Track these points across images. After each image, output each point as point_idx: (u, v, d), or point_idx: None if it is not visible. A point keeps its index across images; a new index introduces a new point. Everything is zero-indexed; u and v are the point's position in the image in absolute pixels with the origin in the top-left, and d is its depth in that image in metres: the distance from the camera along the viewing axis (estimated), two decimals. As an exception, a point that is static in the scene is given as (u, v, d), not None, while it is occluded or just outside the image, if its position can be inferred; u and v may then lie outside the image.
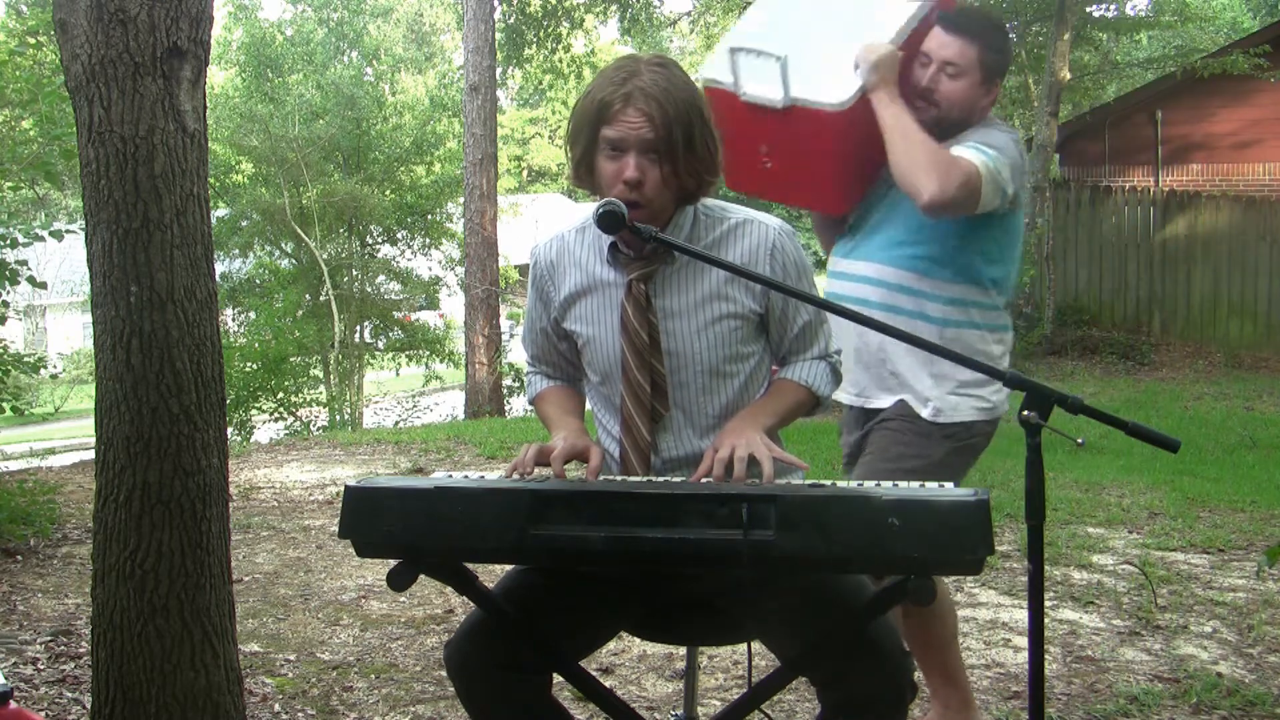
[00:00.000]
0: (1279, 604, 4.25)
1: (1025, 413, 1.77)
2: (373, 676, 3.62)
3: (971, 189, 2.55)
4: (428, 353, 19.33)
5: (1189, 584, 4.53)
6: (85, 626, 3.76)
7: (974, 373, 2.66)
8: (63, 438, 14.29)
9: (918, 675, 2.74)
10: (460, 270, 17.46)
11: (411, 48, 36.35)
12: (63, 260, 21.19)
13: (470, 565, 1.92)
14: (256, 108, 18.48)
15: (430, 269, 20.68)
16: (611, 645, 3.60)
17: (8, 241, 5.92)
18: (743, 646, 2.61)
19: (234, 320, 17.96)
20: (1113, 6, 17.13)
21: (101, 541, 2.54)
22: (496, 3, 15.12)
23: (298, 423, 13.34)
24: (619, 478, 2.10)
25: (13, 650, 3.68)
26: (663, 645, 3.59)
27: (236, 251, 18.88)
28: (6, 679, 2.86)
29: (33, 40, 7.28)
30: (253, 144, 18.26)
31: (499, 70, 17.00)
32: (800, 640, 1.95)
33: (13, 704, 2.06)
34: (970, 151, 2.59)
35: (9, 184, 7.05)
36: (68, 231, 6.24)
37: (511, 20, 17.18)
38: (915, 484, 1.88)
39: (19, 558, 4.96)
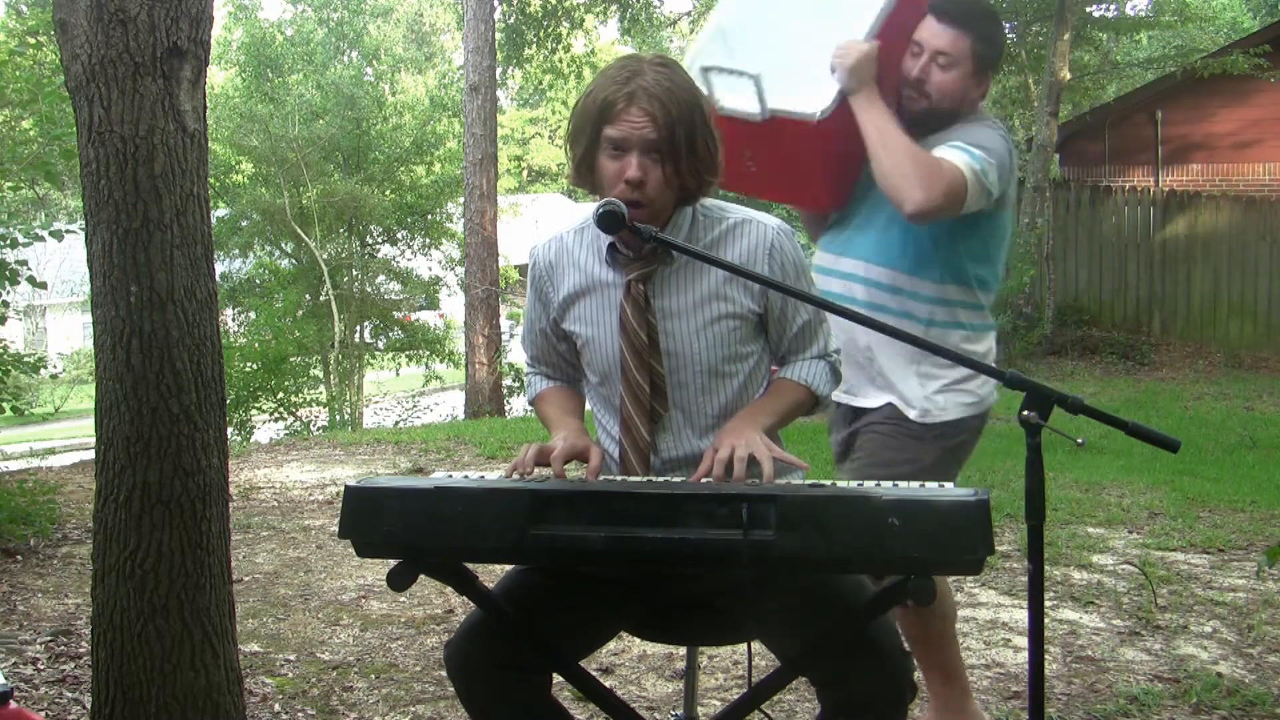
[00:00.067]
0: (1279, 604, 4.25)
1: (1025, 413, 1.76)
2: (373, 676, 3.62)
3: (956, 195, 2.53)
4: (428, 353, 19.33)
5: (1189, 584, 4.53)
6: (85, 626, 3.76)
7: (960, 369, 2.66)
8: (63, 438, 14.29)
9: (916, 674, 2.74)
10: (460, 270, 17.47)
11: (411, 48, 36.35)
12: (63, 260, 21.20)
13: (470, 565, 1.93)
14: (256, 108, 18.48)
15: (430, 269, 20.68)
16: (611, 645, 3.60)
17: (8, 241, 5.93)
18: (743, 646, 2.61)
19: (234, 320, 17.96)
20: (1113, 6, 17.14)
21: (101, 541, 2.54)
22: (496, 3, 15.12)
23: (298, 423, 13.34)
24: (619, 478, 2.10)
25: (13, 650, 3.68)
26: (663, 645, 3.60)
27: (236, 251, 18.88)
28: (6, 679, 2.86)
29: (33, 40, 7.28)
30: (253, 144, 18.26)
31: (499, 70, 17.00)
32: (800, 640, 1.95)
33: (13, 704, 2.06)
34: (956, 153, 2.56)
35: (9, 184, 7.05)
36: (68, 231, 6.24)
37: (511, 20, 17.19)
38: (915, 484, 1.88)
39: (19, 558, 4.96)
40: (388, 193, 19.38)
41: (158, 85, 2.43)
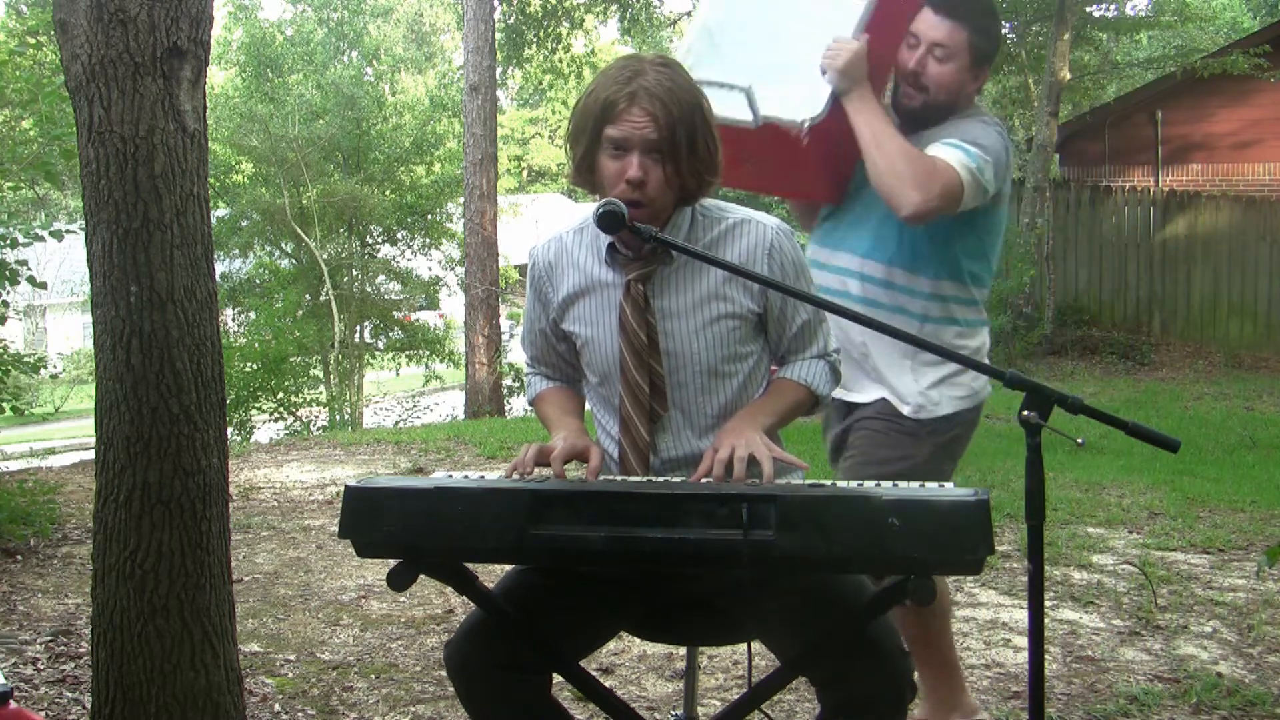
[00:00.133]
0: (1279, 604, 4.25)
1: (1025, 413, 1.76)
2: (373, 676, 3.62)
3: (952, 196, 2.53)
4: (428, 353, 19.34)
5: (1189, 584, 4.53)
6: (85, 626, 3.76)
7: (953, 364, 2.65)
8: (63, 438, 14.29)
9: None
10: (460, 270, 17.47)
11: (411, 48, 36.35)
12: (63, 260, 21.20)
13: (470, 565, 1.93)
14: (256, 108, 18.48)
15: (430, 269, 20.69)
16: (611, 645, 3.60)
17: (8, 241, 5.93)
18: (743, 646, 2.61)
19: (234, 320, 17.96)
20: (1113, 6, 17.14)
21: (101, 541, 2.54)
22: (496, 3, 15.12)
23: (298, 423, 13.33)
24: (619, 478, 2.10)
25: (13, 650, 3.68)
26: (663, 645, 3.60)
27: (236, 251, 18.88)
28: (6, 679, 2.86)
29: (33, 40, 7.28)
30: (253, 144, 18.27)
31: (499, 70, 17.00)
32: (800, 640, 1.95)
33: (13, 704, 2.06)
34: (951, 152, 2.55)
35: (9, 184, 7.05)
36: (68, 231, 6.24)
37: (511, 20, 17.19)
38: (915, 484, 1.88)
39: (19, 558, 4.96)
40: (388, 193, 19.38)
41: (158, 85, 2.43)
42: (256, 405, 12.87)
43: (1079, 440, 2.17)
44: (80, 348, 22.94)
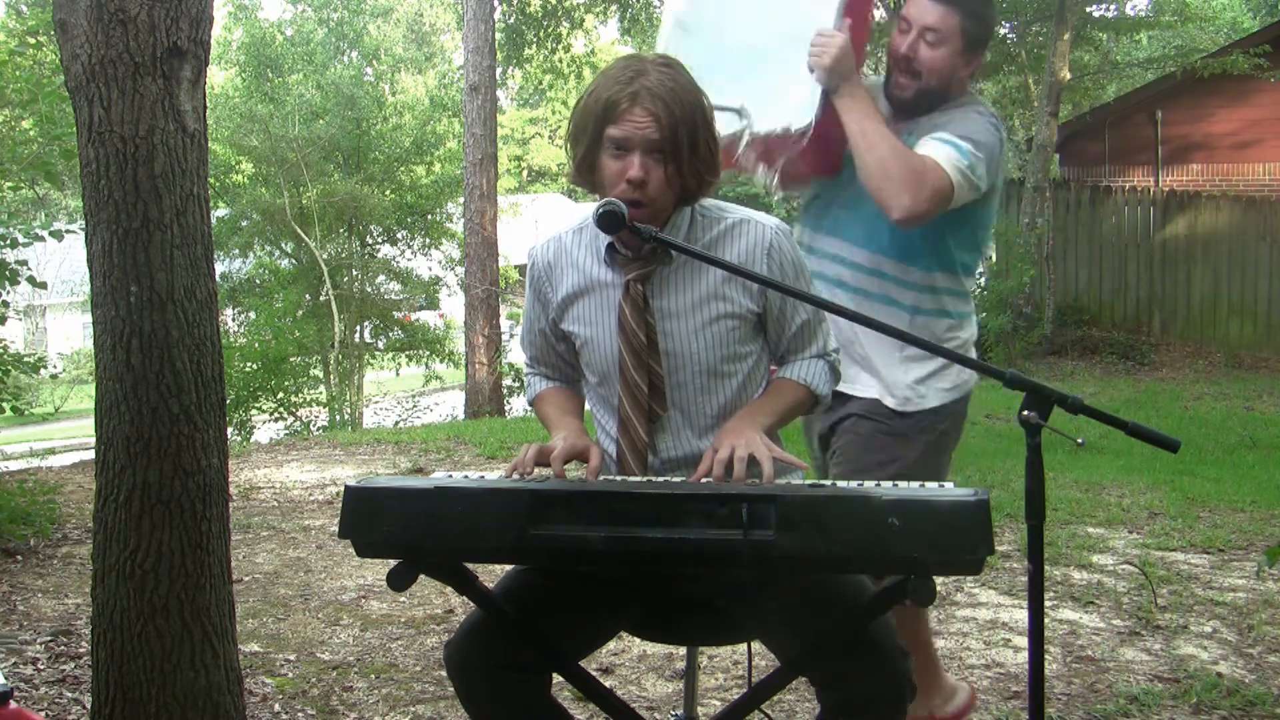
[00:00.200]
0: (1279, 604, 4.25)
1: (1025, 413, 1.76)
2: (373, 676, 3.62)
3: (943, 198, 2.51)
4: (428, 353, 19.34)
5: (1189, 584, 4.53)
6: (85, 626, 3.76)
7: (940, 358, 2.64)
8: (63, 438, 14.29)
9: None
10: (460, 270, 17.47)
11: (411, 48, 36.35)
12: (63, 260, 21.20)
13: (470, 565, 1.93)
14: (256, 108, 18.49)
15: (430, 269, 20.69)
16: (611, 645, 3.60)
17: (8, 241, 5.93)
18: (743, 646, 2.61)
19: (234, 320, 17.96)
20: (1113, 6, 17.15)
21: (101, 541, 2.54)
22: (496, 3, 15.12)
23: (298, 423, 13.34)
24: (618, 478, 2.10)
25: (13, 650, 3.68)
26: (663, 645, 3.60)
27: (236, 251, 18.89)
28: (6, 679, 2.86)
29: (33, 40, 7.28)
30: (253, 144, 18.27)
31: (499, 70, 17.00)
32: (800, 640, 1.95)
33: (13, 704, 2.06)
34: (944, 150, 2.52)
35: (9, 184, 7.05)
36: (68, 231, 6.24)
37: (511, 20, 17.20)
38: (915, 484, 1.88)
39: (19, 558, 4.96)
40: (388, 193, 19.39)
41: (158, 85, 2.43)
42: (256, 405, 12.87)
43: (1079, 440, 2.17)
44: (80, 348, 22.95)
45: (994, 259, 14.30)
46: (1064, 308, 14.45)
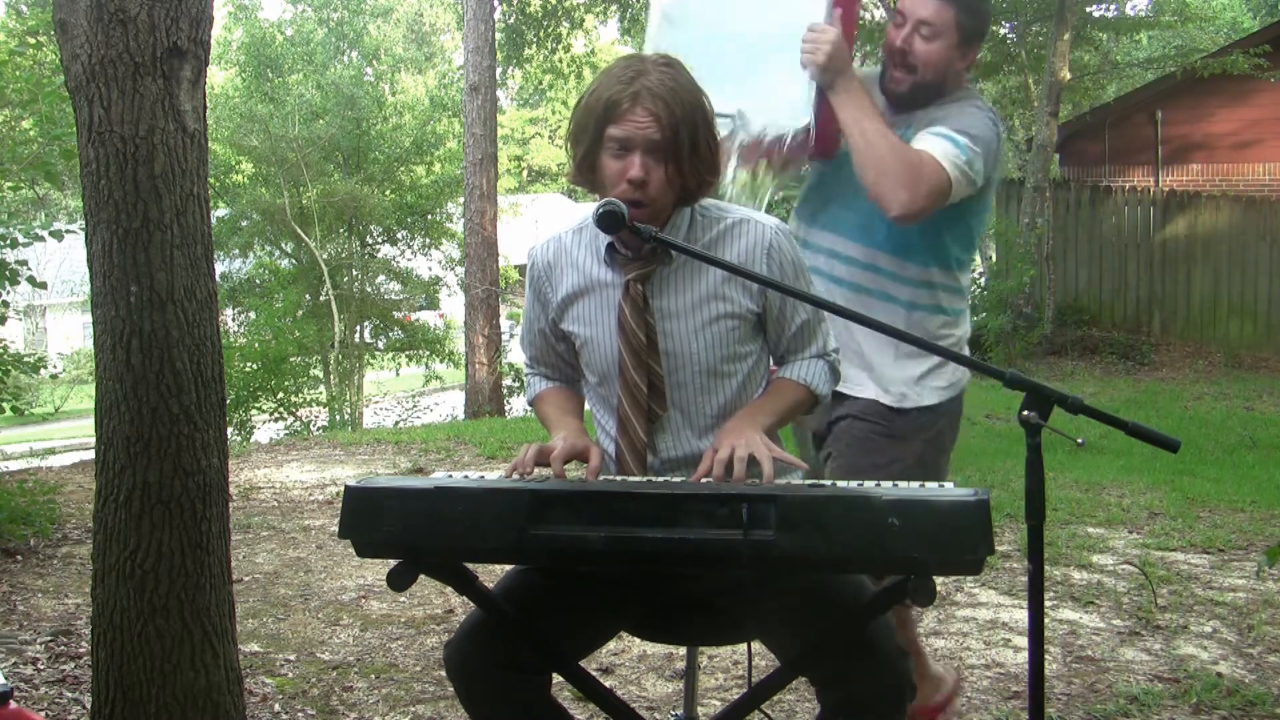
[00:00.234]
0: (1279, 604, 4.25)
1: (1025, 413, 1.76)
2: (373, 676, 3.62)
3: (941, 194, 2.50)
4: (428, 353, 19.34)
5: (1189, 584, 4.53)
6: (85, 626, 3.76)
7: (936, 356, 2.63)
8: (63, 438, 14.29)
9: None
10: (460, 270, 17.48)
11: (411, 48, 36.34)
12: (63, 260, 21.21)
13: (470, 565, 1.93)
14: (256, 108, 18.49)
15: (430, 269, 20.69)
16: (611, 645, 3.60)
17: (8, 241, 5.93)
18: (743, 646, 2.61)
19: (234, 320, 17.97)
20: (1113, 6, 17.14)
21: (101, 541, 2.54)
22: (496, 3, 15.12)
23: (298, 423, 13.34)
24: (618, 478, 2.10)
25: (13, 650, 3.68)
26: (663, 645, 3.60)
27: (236, 251, 18.89)
28: (6, 679, 2.86)
29: (33, 40, 7.28)
30: (253, 144, 18.28)
31: (499, 70, 17.00)
32: (800, 640, 1.95)
33: (13, 704, 2.06)
34: (941, 145, 2.51)
35: (9, 184, 7.06)
36: (68, 231, 6.24)
37: (511, 20, 17.19)
38: (915, 484, 1.88)
39: (19, 558, 4.96)
40: (388, 193, 19.39)
41: (158, 85, 2.43)
42: (256, 405, 12.87)
43: (1079, 440, 2.17)
44: (80, 348, 22.95)
45: (994, 259, 14.32)
46: (1064, 308, 14.46)
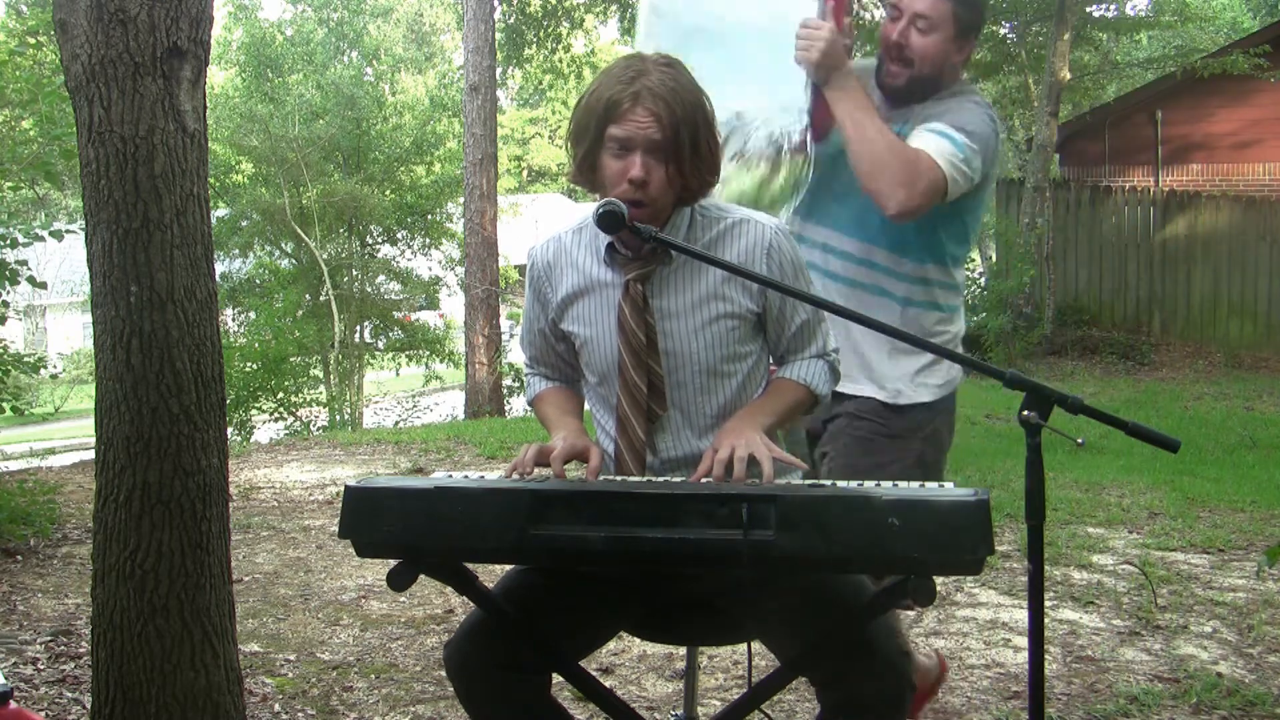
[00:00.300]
0: (1279, 604, 4.25)
1: (1025, 413, 1.76)
2: (373, 676, 3.62)
3: (937, 192, 2.49)
4: (428, 353, 19.34)
5: (1189, 584, 4.53)
6: (85, 626, 3.76)
7: (930, 353, 2.63)
8: (63, 438, 14.29)
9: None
10: (460, 270, 17.48)
11: (411, 48, 36.34)
12: (63, 260, 21.21)
13: (470, 565, 1.93)
14: (256, 108, 18.49)
15: (430, 269, 20.69)
16: (611, 645, 3.60)
17: (8, 241, 5.93)
18: (743, 646, 2.61)
19: (234, 320, 17.97)
20: (1113, 6, 17.15)
21: (101, 541, 2.54)
22: (496, 3, 15.12)
23: (298, 423, 13.34)
24: (618, 478, 2.10)
25: (13, 650, 3.68)
26: (663, 645, 3.60)
27: (236, 251, 18.89)
28: (6, 679, 2.86)
29: (33, 40, 7.28)
30: (253, 144, 18.27)
31: (499, 70, 17.00)
32: (800, 640, 1.95)
33: (13, 704, 2.06)
34: (938, 143, 2.50)
35: (9, 184, 7.06)
36: (68, 231, 6.24)
37: (511, 20, 17.19)
38: (915, 484, 1.88)
39: (19, 558, 4.96)
40: (388, 193, 19.39)
41: (158, 85, 2.43)
42: (256, 405, 12.87)
43: (1079, 440, 2.16)
44: (80, 348, 22.95)
45: (994, 259, 14.32)
46: (1064, 308, 14.46)
